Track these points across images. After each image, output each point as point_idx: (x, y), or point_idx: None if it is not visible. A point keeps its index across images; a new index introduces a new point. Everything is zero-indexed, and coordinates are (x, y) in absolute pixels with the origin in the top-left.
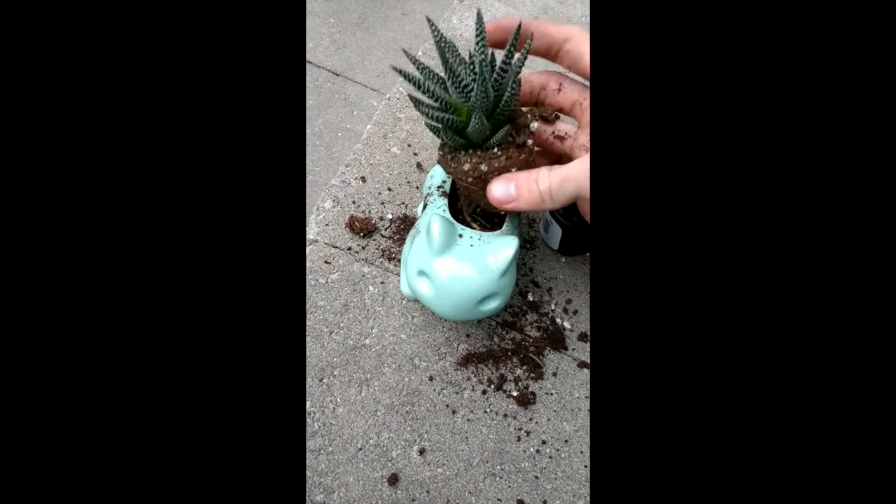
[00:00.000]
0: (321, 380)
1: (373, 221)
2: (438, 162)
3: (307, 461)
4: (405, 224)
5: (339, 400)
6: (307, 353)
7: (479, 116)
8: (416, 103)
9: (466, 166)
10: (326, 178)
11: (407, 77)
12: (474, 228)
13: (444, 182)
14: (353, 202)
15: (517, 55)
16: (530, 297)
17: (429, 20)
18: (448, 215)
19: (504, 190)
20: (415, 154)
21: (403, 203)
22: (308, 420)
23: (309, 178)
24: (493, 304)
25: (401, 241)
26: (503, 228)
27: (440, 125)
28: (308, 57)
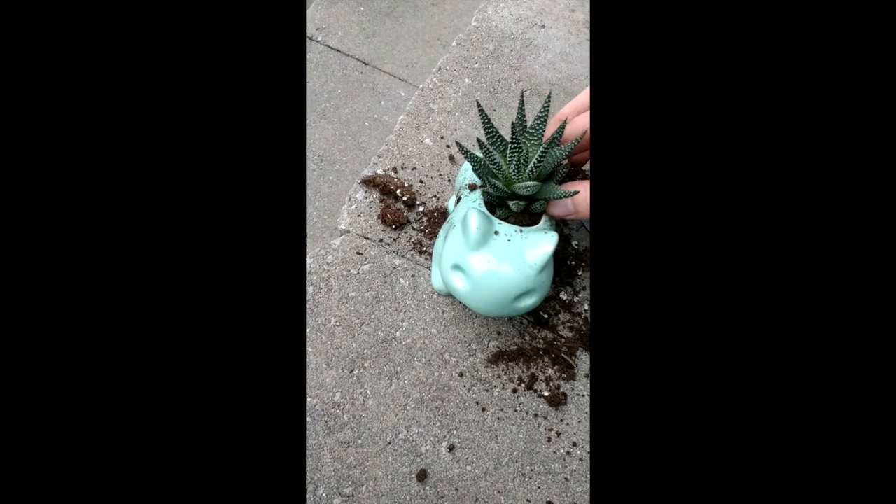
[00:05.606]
0: (351, 371)
1: (405, 214)
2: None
3: (337, 453)
4: (437, 217)
5: (368, 392)
6: (338, 344)
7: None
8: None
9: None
10: (354, 167)
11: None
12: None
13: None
14: None
15: (562, 147)
16: (563, 296)
17: (480, 108)
18: (484, 209)
19: (563, 207)
20: (447, 146)
21: (435, 196)
22: (338, 412)
23: (335, 167)
24: (529, 301)
25: (432, 235)
26: (541, 223)
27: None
28: (337, 45)
